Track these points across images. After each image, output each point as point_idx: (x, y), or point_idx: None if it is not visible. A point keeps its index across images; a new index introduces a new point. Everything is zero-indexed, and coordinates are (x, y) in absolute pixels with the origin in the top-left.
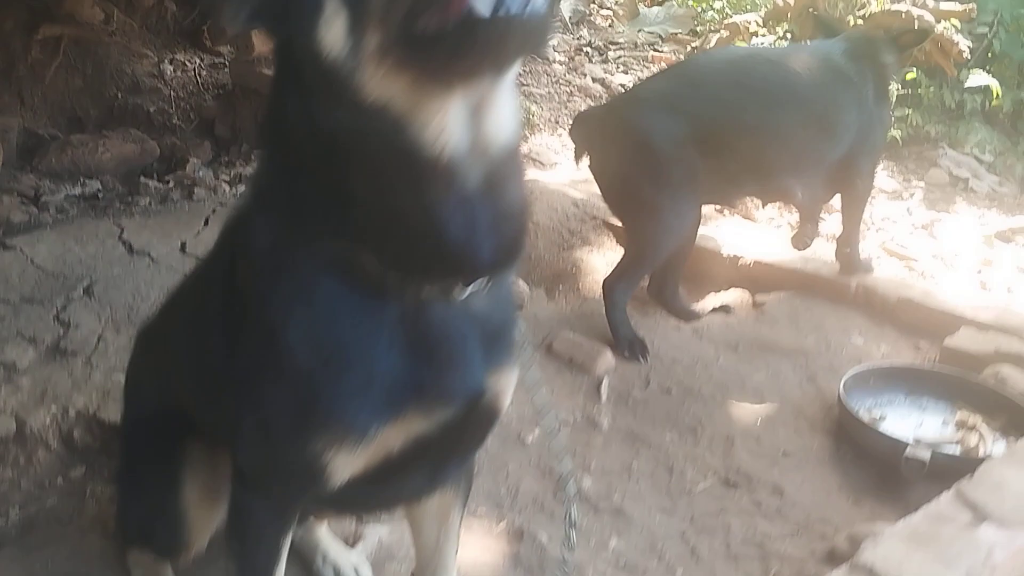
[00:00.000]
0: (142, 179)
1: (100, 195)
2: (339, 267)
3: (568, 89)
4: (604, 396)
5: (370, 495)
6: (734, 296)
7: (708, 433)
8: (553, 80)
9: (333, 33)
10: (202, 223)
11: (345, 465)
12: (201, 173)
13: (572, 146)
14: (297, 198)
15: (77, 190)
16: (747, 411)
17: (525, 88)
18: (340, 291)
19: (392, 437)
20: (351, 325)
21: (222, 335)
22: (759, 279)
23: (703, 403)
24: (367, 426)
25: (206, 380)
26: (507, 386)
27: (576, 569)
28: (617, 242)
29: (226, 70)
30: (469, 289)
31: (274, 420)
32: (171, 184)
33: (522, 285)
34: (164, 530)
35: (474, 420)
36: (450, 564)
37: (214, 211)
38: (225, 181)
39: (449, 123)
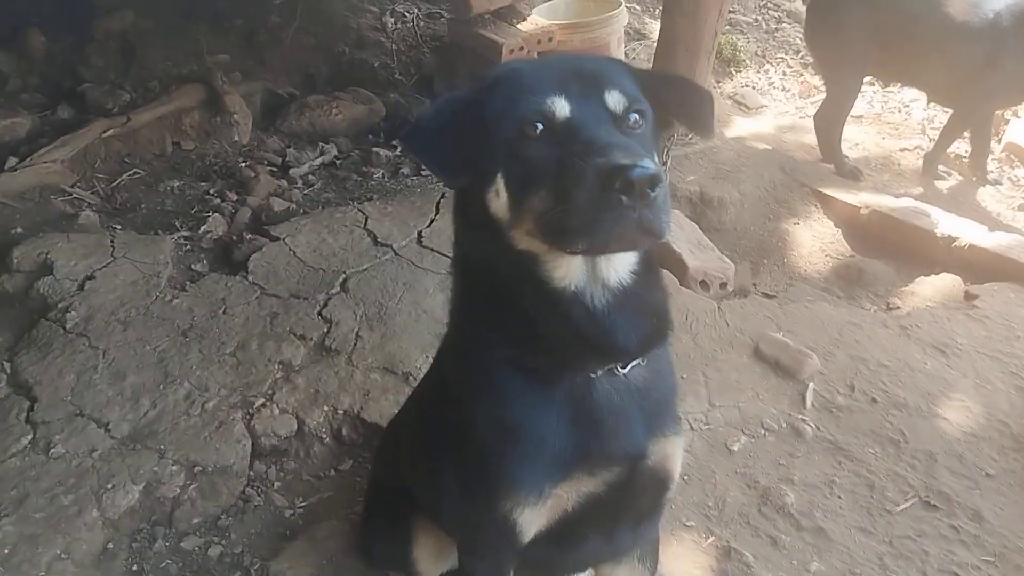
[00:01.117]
0: (374, 150)
1: (338, 163)
2: (512, 363)
3: (776, 15)
4: (809, 403)
5: (558, 556)
6: (945, 283)
7: (910, 448)
8: (760, 4)
9: (495, 203)
10: (433, 210)
11: (530, 521)
12: None
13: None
14: (477, 311)
15: (318, 159)
16: (951, 425)
17: (731, 16)
18: (515, 381)
19: (564, 495)
20: (524, 406)
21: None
22: (975, 265)
23: (907, 414)
24: (541, 486)
25: (419, 466)
26: (673, 452)
27: None
28: (825, 213)
29: (442, 20)
30: (623, 370)
31: (467, 486)
32: (399, 152)
33: (727, 262)
34: (401, 569)
35: (641, 483)
36: None
37: (443, 196)
38: None
39: (572, 269)
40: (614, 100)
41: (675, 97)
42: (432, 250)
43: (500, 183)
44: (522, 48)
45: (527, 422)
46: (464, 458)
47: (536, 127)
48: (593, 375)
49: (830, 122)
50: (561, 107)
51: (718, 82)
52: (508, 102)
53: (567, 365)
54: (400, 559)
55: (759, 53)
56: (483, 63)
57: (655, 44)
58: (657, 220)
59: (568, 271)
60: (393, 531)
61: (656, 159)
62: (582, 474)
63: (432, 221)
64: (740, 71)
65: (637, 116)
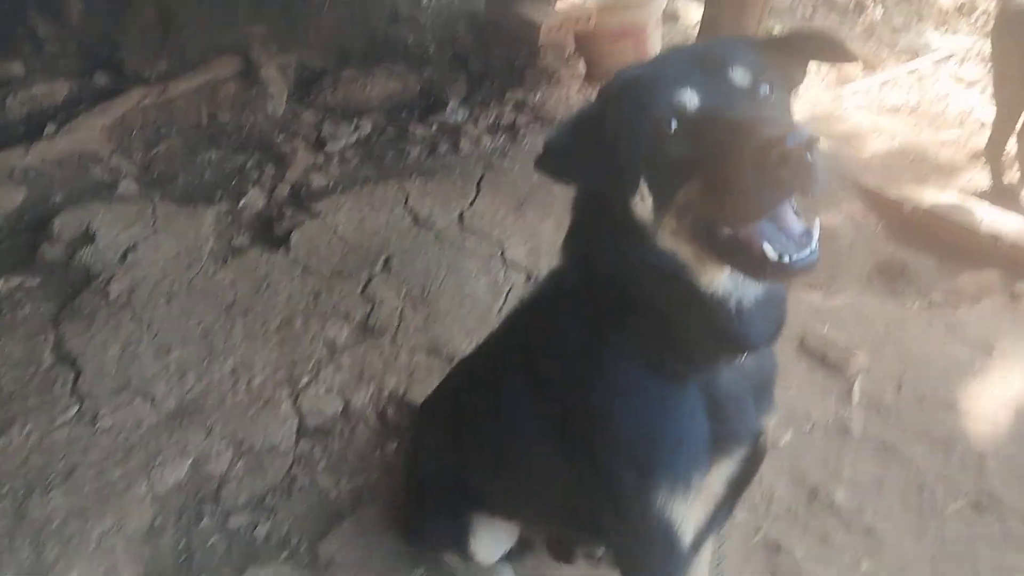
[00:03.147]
0: (411, 126)
1: (373, 139)
2: (647, 361)
3: (812, 2)
4: (856, 400)
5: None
6: (990, 280)
7: (960, 449)
8: None
9: (640, 207)
10: (474, 190)
11: (689, 517)
12: (459, 116)
13: (812, 72)
14: (603, 306)
15: (353, 134)
16: (1000, 426)
17: None
18: (650, 378)
19: (713, 483)
20: (663, 402)
21: (535, 424)
22: (1020, 263)
23: (956, 414)
24: (691, 476)
25: (512, 464)
26: (771, 427)
27: None
28: (867, 206)
29: None
30: (746, 361)
31: (620, 490)
32: (435, 129)
33: None
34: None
35: (756, 459)
36: None
37: (483, 176)
38: (485, 129)
39: (720, 277)
40: (740, 76)
41: (805, 47)
42: (474, 231)
43: (643, 187)
44: (560, 28)
45: (668, 419)
46: (607, 460)
47: (670, 124)
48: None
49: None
50: (690, 98)
51: None
52: (635, 107)
53: (702, 361)
54: (456, 547)
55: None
56: (519, 42)
57: (689, 28)
58: (817, 181)
59: (715, 278)
60: (449, 523)
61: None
62: (723, 458)
63: (473, 202)
64: None
65: (767, 86)
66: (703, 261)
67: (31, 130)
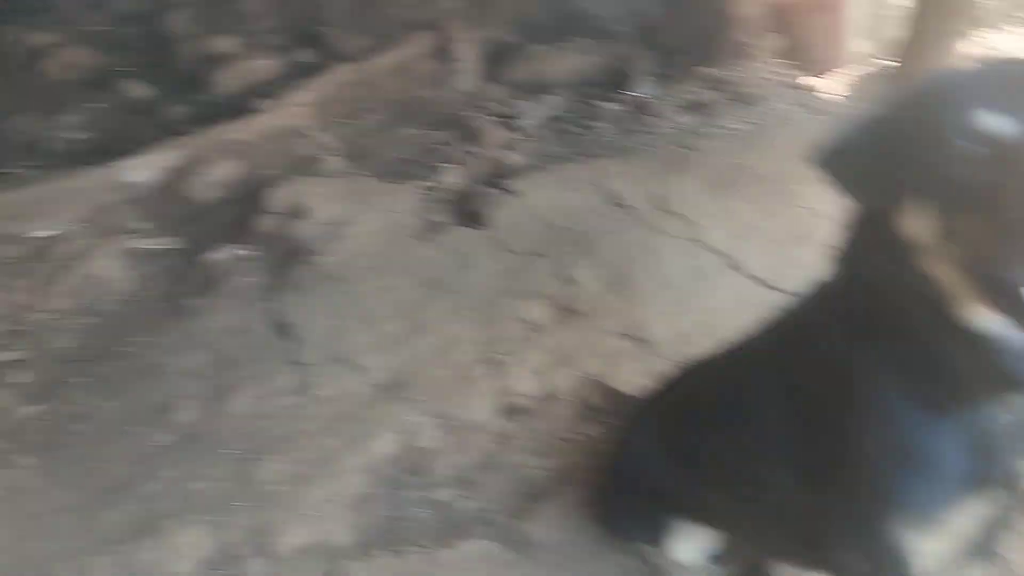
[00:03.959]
0: (598, 102)
1: (563, 116)
2: (907, 388)
3: None
4: None
5: None
6: None
7: None
8: None
9: (912, 225)
10: (670, 171)
11: (924, 552)
12: (649, 92)
13: None
14: (868, 328)
15: (543, 111)
16: None
17: None
18: (908, 406)
19: (961, 522)
20: (918, 431)
21: (778, 441)
22: None
23: None
24: (934, 510)
25: (743, 479)
26: None
27: None
28: None
29: None
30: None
31: (858, 513)
32: (625, 106)
33: None
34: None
35: (1012, 502)
36: None
37: (679, 156)
38: (678, 107)
39: (987, 313)
40: None
41: None
42: (672, 213)
43: (923, 206)
44: (754, 0)
45: (921, 449)
46: (852, 487)
47: (973, 148)
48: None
49: None
50: (1005, 128)
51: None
52: (941, 120)
53: (965, 396)
54: (652, 544)
55: (1004, 13)
56: (712, 15)
57: (884, 7)
58: None
59: (984, 319)
60: (647, 520)
61: None
62: (974, 497)
63: (670, 183)
64: (980, 32)
65: None
66: (968, 295)
67: (243, 105)
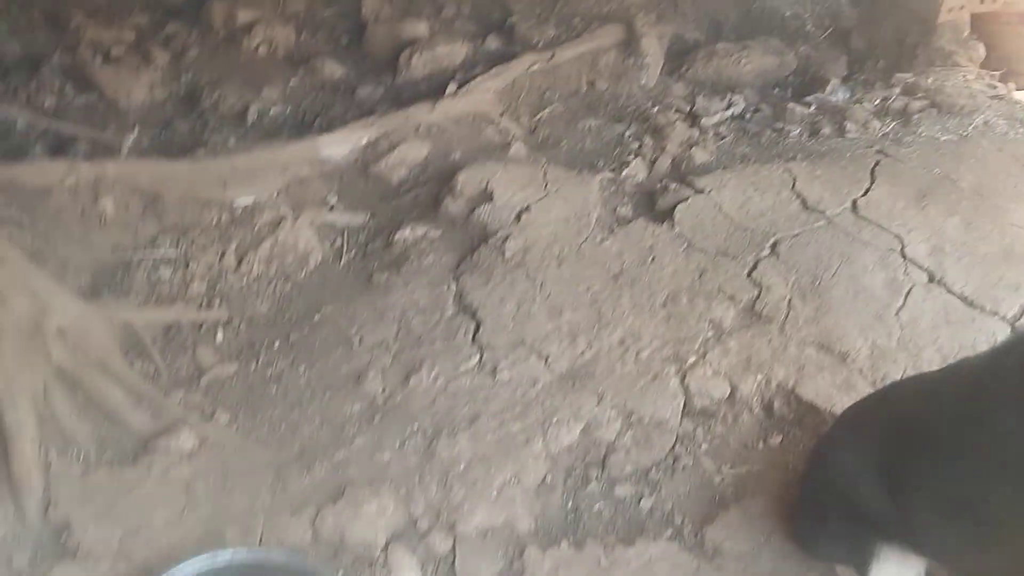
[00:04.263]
0: (789, 105)
1: (747, 116)
2: None
3: None
4: None
5: None
6: None
7: None
8: None
9: None
10: (868, 177)
11: None
12: (840, 96)
13: None
14: None
15: (727, 110)
16: None
17: None
18: None
19: None
20: None
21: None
22: None
23: None
24: None
25: (966, 512)
26: None
27: None
28: None
29: None
30: None
31: None
32: (815, 109)
33: None
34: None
35: None
36: None
37: (877, 163)
38: (873, 112)
39: None
40: None
41: None
42: (869, 221)
43: None
44: (962, 7)
45: None
46: None
47: None
48: None
49: None
50: None
51: None
52: None
53: None
54: (855, 567)
55: None
56: (913, 19)
57: None
58: None
59: None
60: (851, 543)
61: None
62: None
63: (868, 190)
64: None
65: None
66: None
67: (432, 88)
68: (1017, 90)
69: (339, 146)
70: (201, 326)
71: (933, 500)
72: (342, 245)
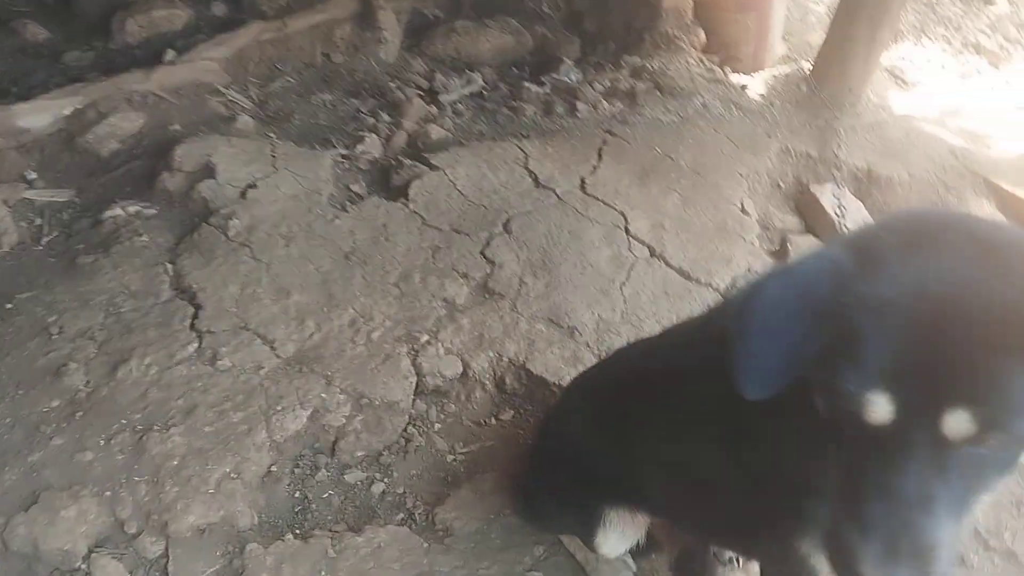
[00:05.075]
0: (525, 84)
1: (485, 94)
2: None
3: None
4: None
5: None
6: None
7: None
8: None
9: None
10: (596, 156)
11: None
12: (573, 77)
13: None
14: None
15: (466, 87)
16: None
17: None
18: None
19: None
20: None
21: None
22: None
23: None
24: None
25: (679, 469)
26: None
27: None
28: (998, 207)
29: None
30: None
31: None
32: (549, 89)
33: None
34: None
35: None
36: None
37: (604, 142)
38: (602, 94)
39: None
40: (954, 425)
41: None
42: (596, 199)
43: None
44: None
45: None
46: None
47: (860, 413)
48: None
49: None
50: (879, 409)
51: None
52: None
53: None
54: (582, 536)
55: (917, 26)
56: (640, 5)
57: (814, 4)
58: None
59: None
60: (578, 511)
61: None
62: None
63: (595, 168)
64: (896, 42)
65: (988, 446)
66: None
67: (149, 55)
68: (733, 73)
69: (39, 115)
70: None
71: (651, 453)
72: (42, 225)
